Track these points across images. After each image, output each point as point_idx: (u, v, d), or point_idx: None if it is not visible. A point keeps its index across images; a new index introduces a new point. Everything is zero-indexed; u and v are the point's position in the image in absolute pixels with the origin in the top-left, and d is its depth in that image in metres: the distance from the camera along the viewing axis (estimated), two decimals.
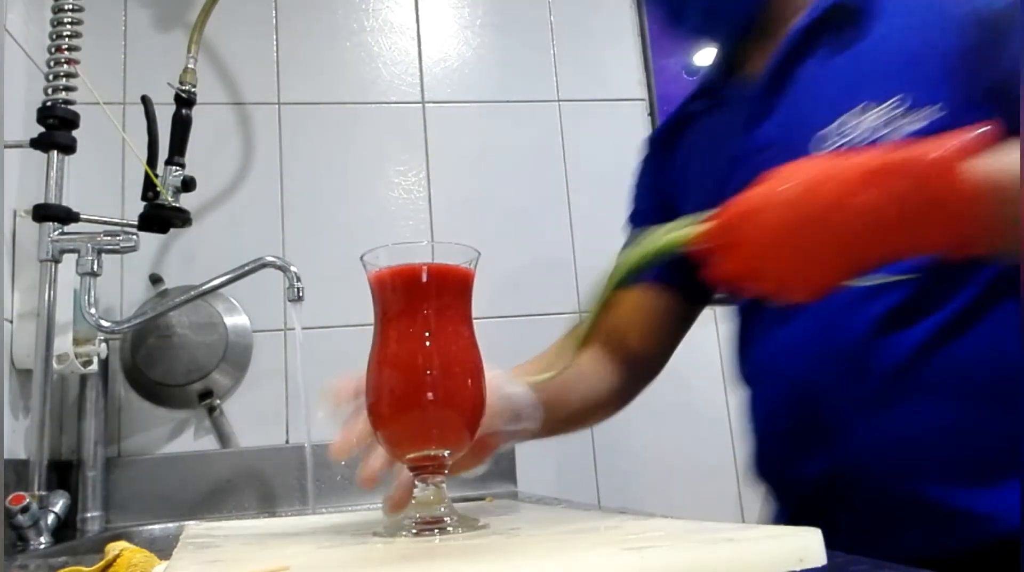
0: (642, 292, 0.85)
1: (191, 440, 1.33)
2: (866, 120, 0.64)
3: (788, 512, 0.76)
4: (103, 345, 1.20)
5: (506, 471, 1.37)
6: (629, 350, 0.86)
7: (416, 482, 0.54)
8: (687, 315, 0.89)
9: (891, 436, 0.65)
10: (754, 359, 0.77)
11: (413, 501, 0.54)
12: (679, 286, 0.85)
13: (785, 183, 0.52)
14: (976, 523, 0.61)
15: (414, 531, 0.51)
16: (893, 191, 0.48)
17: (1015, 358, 0.60)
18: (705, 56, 1.66)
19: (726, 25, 0.77)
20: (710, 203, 0.67)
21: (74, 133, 1.10)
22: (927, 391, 0.64)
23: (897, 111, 0.63)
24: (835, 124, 0.66)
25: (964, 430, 0.63)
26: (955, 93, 0.62)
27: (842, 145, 0.65)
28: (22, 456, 1.08)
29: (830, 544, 0.39)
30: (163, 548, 0.53)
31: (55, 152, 1.09)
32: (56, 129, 1.08)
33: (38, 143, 1.08)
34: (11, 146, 1.11)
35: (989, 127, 0.50)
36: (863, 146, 0.63)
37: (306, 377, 1.21)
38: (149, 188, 1.17)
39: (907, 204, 0.48)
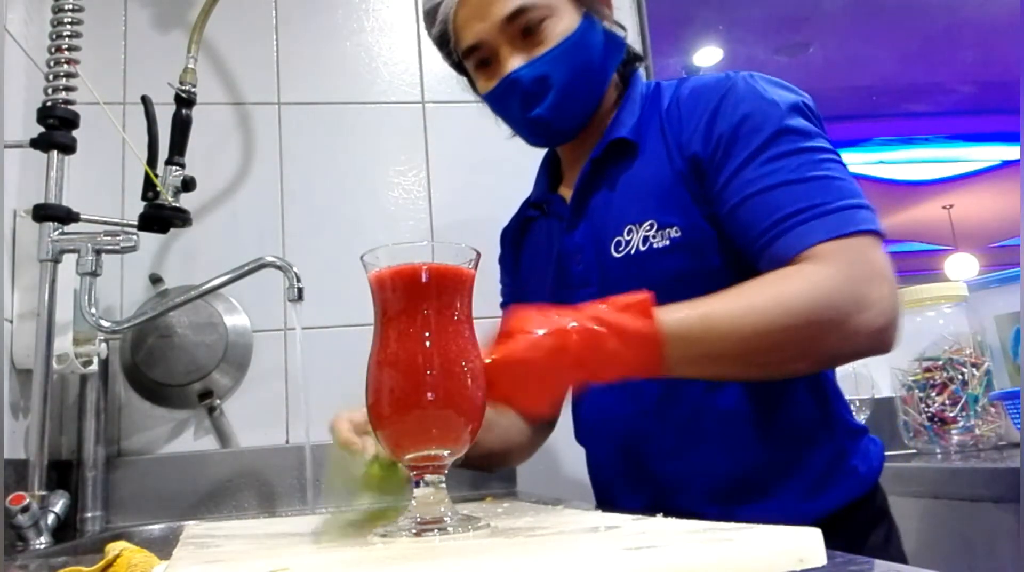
0: None
1: (191, 440, 1.33)
2: (640, 232, 0.84)
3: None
4: (103, 345, 1.20)
5: (506, 471, 1.37)
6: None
7: (416, 482, 0.54)
8: None
9: (684, 472, 0.86)
10: (585, 421, 0.99)
11: (413, 502, 0.54)
12: None
13: (523, 335, 0.65)
14: None
15: (414, 531, 0.51)
16: (596, 344, 0.64)
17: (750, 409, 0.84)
18: (705, 56, 1.67)
19: (547, 136, 0.94)
20: (547, 290, 0.96)
21: (74, 133, 1.10)
22: (702, 436, 0.85)
23: (651, 230, 0.83)
24: (624, 233, 0.85)
25: (724, 464, 0.84)
26: (684, 218, 0.82)
27: (631, 251, 0.85)
28: (22, 456, 1.08)
29: None
30: (163, 548, 0.53)
31: (55, 152, 1.09)
32: (56, 129, 1.08)
33: (38, 143, 1.08)
34: (11, 146, 1.11)
35: (645, 295, 0.67)
36: (644, 251, 0.84)
37: (306, 377, 1.21)
38: (149, 188, 1.17)
39: (606, 352, 0.65)
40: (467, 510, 0.62)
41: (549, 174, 1.04)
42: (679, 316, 0.67)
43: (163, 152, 1.19)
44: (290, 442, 1.34)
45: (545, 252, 1.00)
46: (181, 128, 1.22)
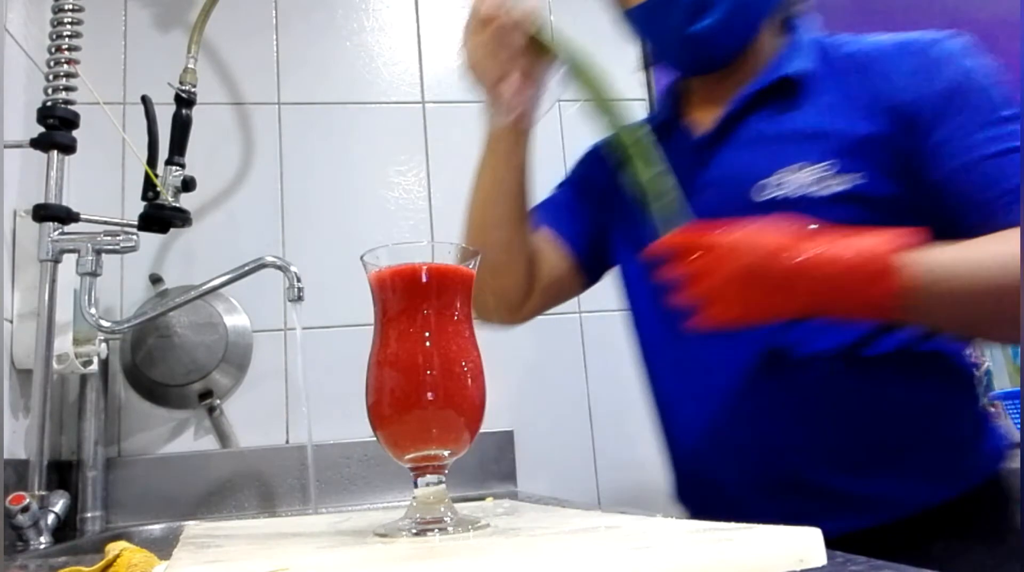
0: (550, 242, 0.96)
1: (191, 440, 1.33)
2: (800, 177, 0.76)
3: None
4: (103, 345, 1.20)
5: (506, 471, 1.37)
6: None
7: (416, 482, 0.54)
8: (568, 287, 0.98)
9: (805, 433, 0.77)
10: (677, 368, 0.87)
11: (413, 501, 0.54)
12: (583, 260, 0.97)
13: (761, 236, 0.63)
14: (872, 505, 0.75)
15: (414, 531, 0.51)
16: (838, 280, 0.62)
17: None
18: None
19: (700, 60, 0.86)
20: (645, 227, 0.81)
21: (74, 133, 1.10)
22: (831, 393, 0.76)
23: (827, 173, 0.75)
24: (773, 177, 0.77)
25: (855, 428, 0.76)
26: (871, 167, 0.74)
27: (777, 195, 0.77)
28: (22, 456, 1.08)
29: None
30: (163, 548, 0.53)
31: (55, 152, 1.09)
32: (56, 129, 1.08)
33: (38, 143, 1.08)
34: (11, 146, 1.11)
35: (918, 231, 0.62)
36: (796, 198, 0.76)
37: (306, 377, 1.21)
38: (149, 188, 1.17)
39: (845, 292, 0.62)
40: (467, 510, 0.62)
41: (676, 99, 0.94)
42: (930, 257, 0.62)
43: (163, 152, 1.20)
44: (290, 442, 1.34)
45: None
46: (181, 128, 1.22)
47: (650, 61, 0.93)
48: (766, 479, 0.78)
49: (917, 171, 0.73)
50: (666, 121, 0.93)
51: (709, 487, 0.84)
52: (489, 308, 0.95)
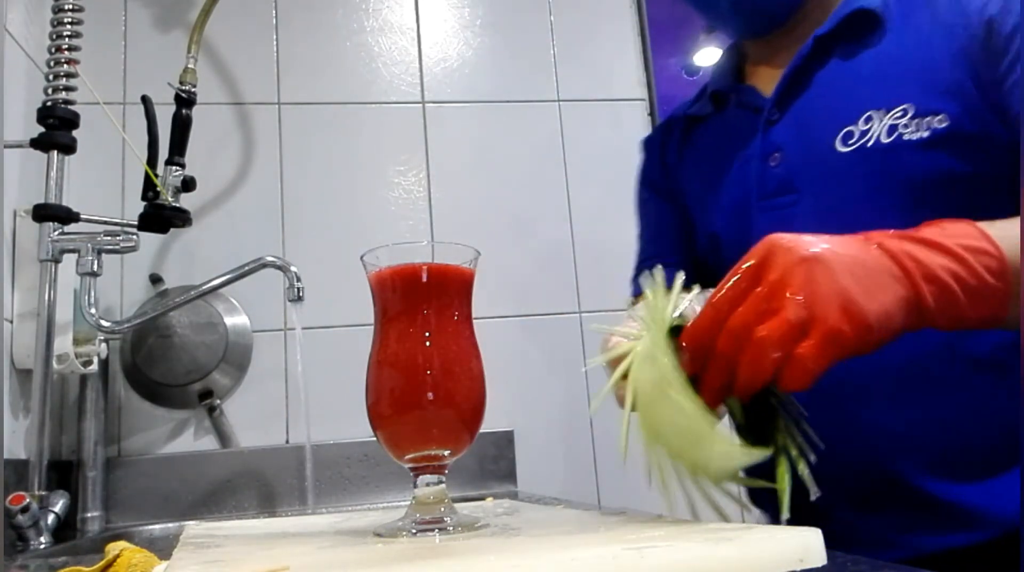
0: None
1: (191, 440, 1.33)
2: (889, 118, 0.68)
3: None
4: (103, 345, 1.20)
5: (506, 471, 1.37)
6: None
7: (416, 482, 0.54)
8: None
9: (905, 429, 0.67)
10: None
11: (413, 501, 0.54)
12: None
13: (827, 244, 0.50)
14: (976, 518, 0.65)
15: (414, 531, 0.51)
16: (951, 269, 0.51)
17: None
18: (705, 56, 1.66)
19: (754, 21, 0.79)
20: (725, 203, 0.75)
21: (74, 133, 1.10)
22: (936, 385, 0.67)
23: (917, 111, 0.67)
24: (860, 121, 0.69)
25: (960, 425, 0.66)
26: (958, 105, 0.66)
27: (866, 143, 0.68)
28: (22, 456, 1.08)
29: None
30: (163, 548, 0.53)
31: (55, 152, 1.09)
32: (56, 129, 1.08)
33: (38, 143, 1.08)
34: (11, 146, 1.11)
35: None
36: (888, 145, 0.67)
37: (306, 377, 1.21)
38: (149, 188, 1.17)
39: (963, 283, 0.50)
40: (467, 510, 0.62)
41: (734, 66, 0.87)
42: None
43: (163, 152, 1.19)
44: (290, 442, 1.34)
45: (720, 156, 0.82)
46: (181, 128, 1.22)
47: (709, 29, 0.86)
48: (861, 483, 0.69)
49: (1010, 107, 0.64)
50: (727, 89, 0.85)
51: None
52: None
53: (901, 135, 0.67)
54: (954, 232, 0.52)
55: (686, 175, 0.88)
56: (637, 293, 0.89)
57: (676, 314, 0.52)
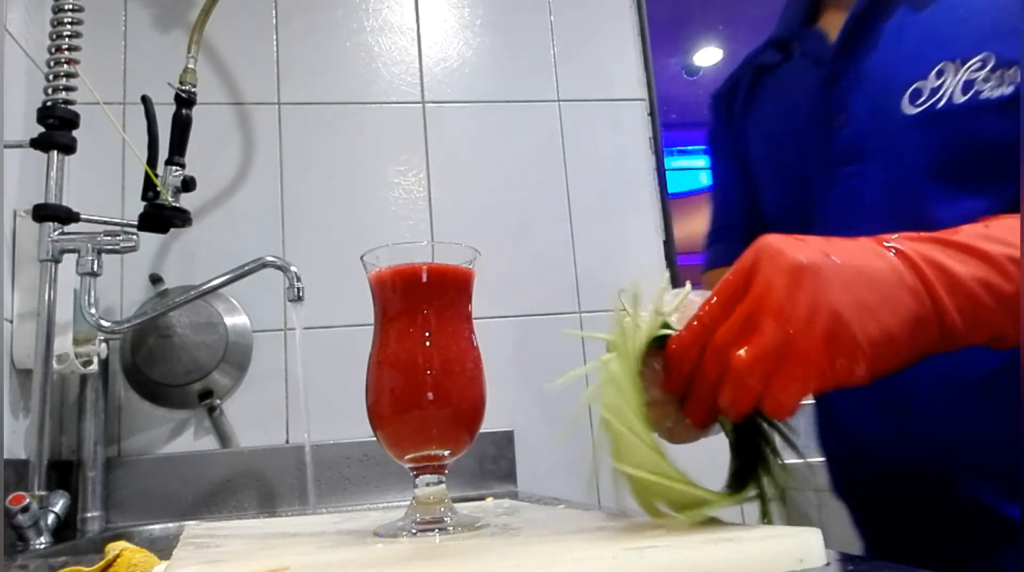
0: None
1: (191, 440, 1.33)
2: (965, 74, 0.59)
3: (874, 531, 0.70)
4: (103, 345, 1.20)
5: (506, 471, 1.37)
6: None
7: (416, 482, 0.54)
8: None
9: (973, 444, 0.59)
10: None
11: (413, 501, 0.54)
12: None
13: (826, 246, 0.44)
14: None
15: (414, 531, 0.51)
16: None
17: None
18: (705, 56, 1.66)
19: None
20: (792, 169, 0.66)
21: (74, 133, 1.10)
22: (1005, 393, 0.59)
23: (983, 71, 0.59)
24: (930, 76, 0.61)
25: None
26: None
27: (937, 104, 0.60)
28: (22, 456, 1.07)
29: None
30: (163, 548, 0.53)
31: (55, 152, 1.09)
32: (56, 129, 1.08)
33: (38, 143, 1.08)
34: (11, 146, 1.11)
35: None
36: (962, 106, 0.59)
37: (306, 377, 1.21)
38: (149, 188, 1.17)
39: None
40: (467, 510, 0.62)
41: (806, 6, 0.77)
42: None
43: (163, 152, 1.19)
44: (290, 442, 1.34)
45: (783, 114, 0.75)
46: (181, 128, 1.22)
47: None
48: (936, 504, 0.63)
49: None
50: (791, 34, 0.77)
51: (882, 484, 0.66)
52: None
53: (979, 94, 0.58)
54: (999, 232, 0.45)
55: (752, 134, 0.80)
56: (709, 266, 0.83)
57: (671, 309, 0.48)
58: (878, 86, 0.64)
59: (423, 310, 0.54)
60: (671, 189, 1.54)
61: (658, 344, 0.47)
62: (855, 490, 0.73)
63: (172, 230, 1.20)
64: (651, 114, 1.59)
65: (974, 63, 0.58)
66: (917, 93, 0.61)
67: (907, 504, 0.65)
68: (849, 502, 0.74)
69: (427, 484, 0.53)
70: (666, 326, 0.48)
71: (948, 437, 0.61)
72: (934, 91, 0.60)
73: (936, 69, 0.60)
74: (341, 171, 1.47)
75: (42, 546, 0.96)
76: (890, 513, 0.68)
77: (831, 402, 0.73)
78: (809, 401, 0.71)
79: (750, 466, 0.47)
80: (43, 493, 1.02)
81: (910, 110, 0.61)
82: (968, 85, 0.58)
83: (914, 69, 0.62)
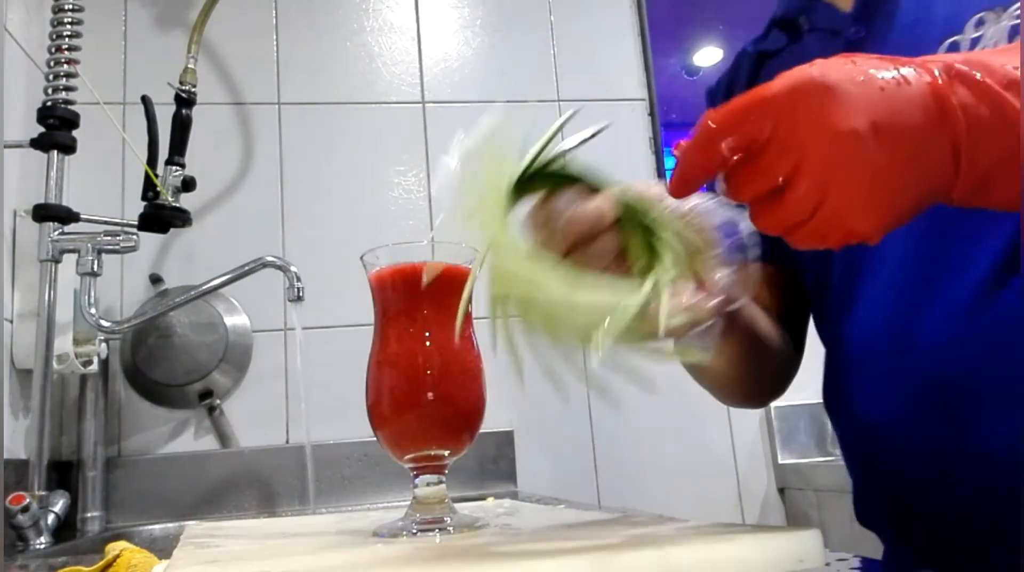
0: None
1: (191, 440, 1.33)
2: (993, 29, 0.52)
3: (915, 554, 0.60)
4: (103, 345, 1.20)
5: (506, 471, 1.37)
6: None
7: (416, 482, 0.54)
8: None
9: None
10: (857, 343, 0.60)
11: (413, 501, 0.54)
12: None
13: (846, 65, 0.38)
14: None
15: (414, 531, 0.51)
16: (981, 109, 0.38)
17: None
18: (705, 56, 1.66)
19: None
20: None
21: (74, 133, 1.10)
22: None
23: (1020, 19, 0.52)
24: (967, 29, 0.54)
25: None
26: None
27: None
28: (22, 456, 1.08)
29: None
30: (163, 548, 0.53)
31: (55, 152, 1.09)
32: (56, 129, 1.08)
33: (38, 143, 1.08)
34: (11, 146, 1.11)
35: None
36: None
37: (306, 377, 1.21)
38: (149, 188, 1.17)
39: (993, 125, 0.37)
40: (467, 510, 0.62)
41: None
42: None
43: (163, 152, 1.19)
44: (290, 442, 1.34)
45: None
46: (181, 128, 1.22)
47: None
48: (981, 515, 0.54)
49: None
50: (795, 11, 0.70)
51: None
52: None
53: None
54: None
55: None
56: None
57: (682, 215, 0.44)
58: (907, 49, 0.51)
59: (423, 310, 0.54)
60: None
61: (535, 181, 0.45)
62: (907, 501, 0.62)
63: (172, 230, 1.20)
64: (651, 114, 1.59)
65: (1018, 6, 0.51)
66: (954, 48, 0.53)
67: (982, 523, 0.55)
68: (891, 519, 0.65)
69: (427, 484, 0.53)
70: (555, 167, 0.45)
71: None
72: (974, 43, 0.53)
73: (976, 18, 0.53)
74: (341, 171, 1.47)
75: (42, 546, 0.96)
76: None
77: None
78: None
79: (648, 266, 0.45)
80: (43, 493, 1.02)
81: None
82: (1015, 31, 0.51)
83: (946, 24, 0.55)
